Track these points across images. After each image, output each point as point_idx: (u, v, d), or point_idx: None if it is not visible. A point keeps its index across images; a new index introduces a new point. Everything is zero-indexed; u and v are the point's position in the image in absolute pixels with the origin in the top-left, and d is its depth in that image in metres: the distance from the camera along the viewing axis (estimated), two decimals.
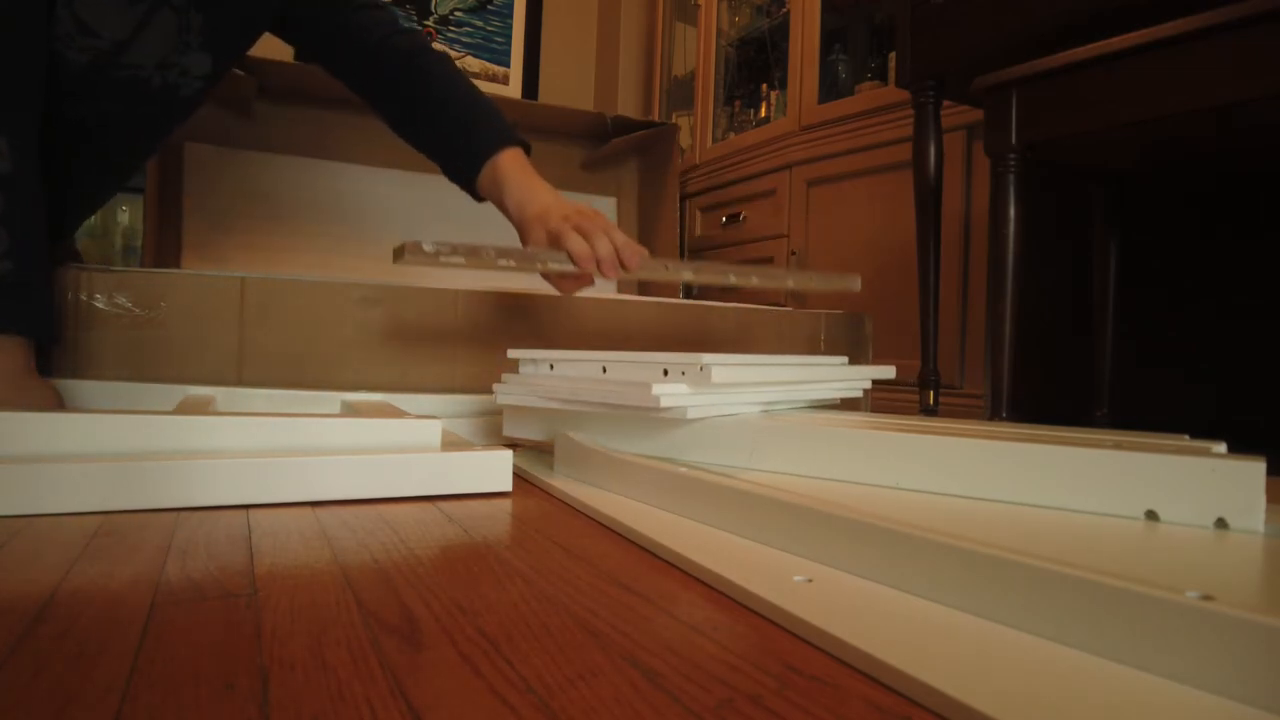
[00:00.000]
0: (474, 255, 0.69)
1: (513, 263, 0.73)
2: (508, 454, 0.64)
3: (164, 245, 1.52)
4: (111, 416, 0.58)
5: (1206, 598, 0.27)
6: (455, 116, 0.92)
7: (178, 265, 1.52)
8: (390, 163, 1.76)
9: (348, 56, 0.95)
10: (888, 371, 0.82)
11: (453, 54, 2.44)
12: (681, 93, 2.56)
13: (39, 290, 0.76)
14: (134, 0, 0.80)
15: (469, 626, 0.34)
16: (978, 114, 1.22)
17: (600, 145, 1.98)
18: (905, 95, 1.21)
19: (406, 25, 0.97)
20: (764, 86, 2.21)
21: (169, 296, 0.87)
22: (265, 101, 1.61)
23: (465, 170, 0.92)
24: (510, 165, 0.90)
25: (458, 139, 0.92)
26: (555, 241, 0.81)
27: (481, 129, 0.91)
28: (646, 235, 2.05)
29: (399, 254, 0.68)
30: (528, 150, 0.92)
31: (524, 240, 0.87)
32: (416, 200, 1.77)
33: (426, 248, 0.66)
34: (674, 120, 2.37)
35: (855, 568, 0.40)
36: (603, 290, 1.99)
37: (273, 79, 1.54)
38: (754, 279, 0.75)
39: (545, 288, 1.10)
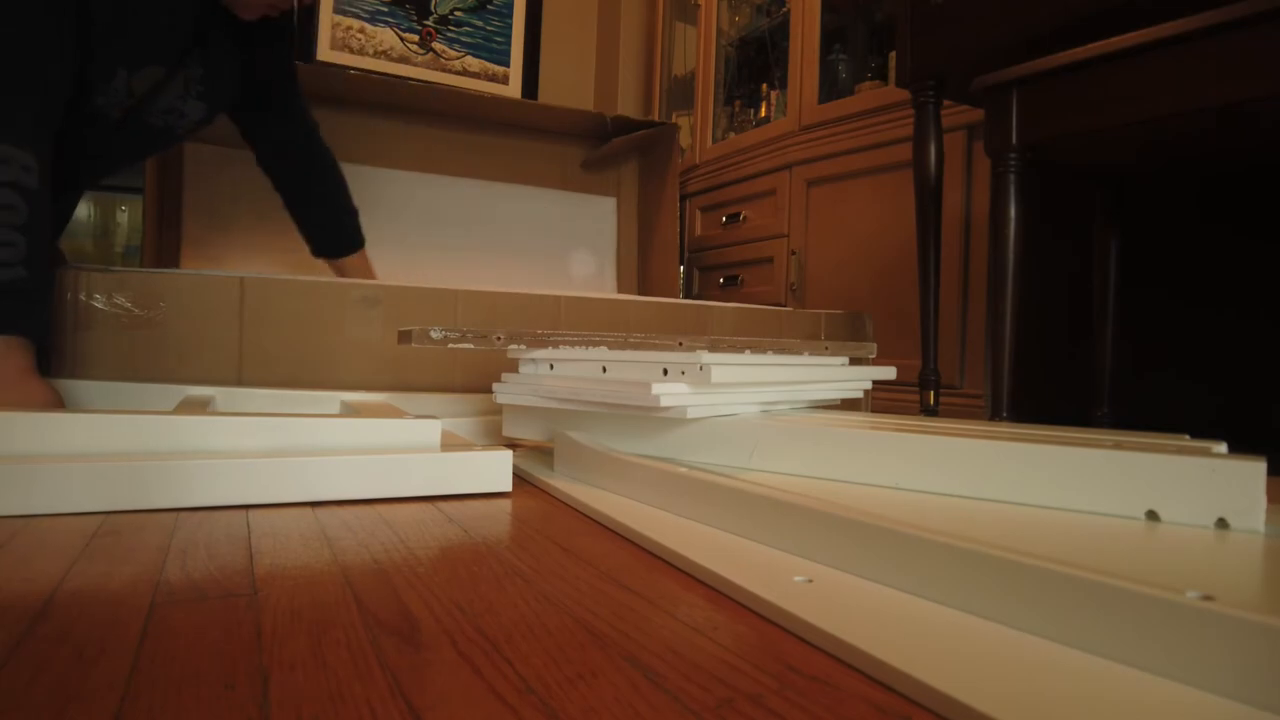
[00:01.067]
0: (482, 340, 0.72)
1: (524, 346, 0.76)
2: (507, 454, 0.64)
3: (164, 245, 1.52)
4: (111, 416, 0.58)
5: (1207, 598, 0.27)
6: (342, 222, 1.31)
7: (177, 265, 1.52)
8: (390, 162, 1.76)
9: (301, 163, 1.25)
10: (888, 372, 0.82)
11: (452, 53, 2.44)
12: (681, 92, 2.55)
13: (44, 295, 0.81)
14: (163, 64, 0.94)
15: (469, 627, 0.34)
16: (978, 114, 1.22)
17: (600, 145, 1.98)
18: (905, 95, 1.21)
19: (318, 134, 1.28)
20: (764, 86, 2.21)
21: (168, 296, 0.87)
22: None
23: (338, 253, 1.31)
24: (361, 259, 1.33)
25: (337, 234, 1.31)
26: None
27: (353, 229, 1.32)
28: (646, 235, 2.05)
29: (405, 338, 0.71)
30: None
31: None
32: (416, 200, 1.77)
33: (434, 334, 0.69)
34: (674, 120, 2.37)
35: (855, 568, 0.40)
36: (604, 290, 1.99)
37: None
38: (769, 350, 0.77)
39: (546, 288, 1.10)
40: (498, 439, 0.86)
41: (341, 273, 1.30)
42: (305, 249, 1.30)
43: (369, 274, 1.31)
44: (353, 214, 1.31)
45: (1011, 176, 1.02)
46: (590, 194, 2.03)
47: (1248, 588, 0.35)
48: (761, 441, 0.63)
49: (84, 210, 2.62)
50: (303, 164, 1.25)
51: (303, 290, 0.92)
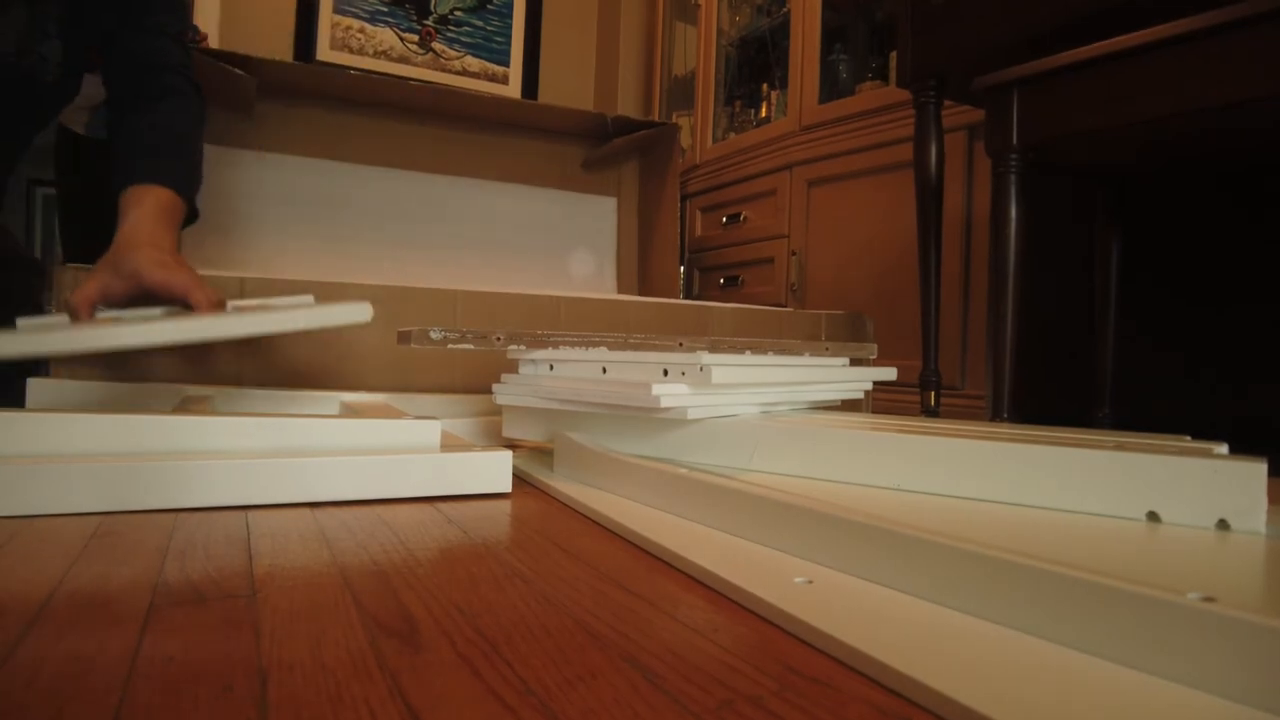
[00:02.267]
0: (481, 340, 0.71)
1: (524, 347, 0.76)
2: (507, 455, 0.64)
3: None
4: (111, 417, 0.58)
5: (1208, 599, 0.27)
6: (153, 143, 0.91)
7: None
8: (390, 162, 1.76)
9: (124, 67, 0.94)
10: (888, 373, 0.82)
11: (452, 53, 2.44)
12: (681, 92, 2.55)
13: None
14: None
15: (468, 628, 0.34)
16: (979, 114, 1.22)
17: (600, 145, 1.98)
18: (906, 95, 1.21)
19: (187, 70, 0.97)
20: (764, 86, 2.21)
21: None
22: (265, 101, 1.61)
23: (121, 183, 0.87)
24: (159, 205, 0.85)
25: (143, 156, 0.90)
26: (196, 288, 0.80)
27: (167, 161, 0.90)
28: (646, 235, 2.05)
29: (405, 339, 0.70)
30: (193, 219, 0.94)
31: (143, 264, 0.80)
32: (416, 200, 1.77)
33: (433, 335, 0.69)
34: (674, 120, 2.37)
35: (856, 569, 0.40)
36: (603, 290, 1.99)
37: (273, 78, 1.53)
38: (769, 351, 0.77)
39: (546, 289, 1.10)
40: (498, 440, 0.86)
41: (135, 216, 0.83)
42: (306, 249, 1.28)
43: (189, 280, 0.81)
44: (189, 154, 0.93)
45: (1012, 176, 1.02)
46: (590, 194, 2.03)
47: (1249, 589, 0.35)
48: (762, 442, 0.63)
49: None
50: (149, 84, 0.93)
51: (302, 291, 0.92)
